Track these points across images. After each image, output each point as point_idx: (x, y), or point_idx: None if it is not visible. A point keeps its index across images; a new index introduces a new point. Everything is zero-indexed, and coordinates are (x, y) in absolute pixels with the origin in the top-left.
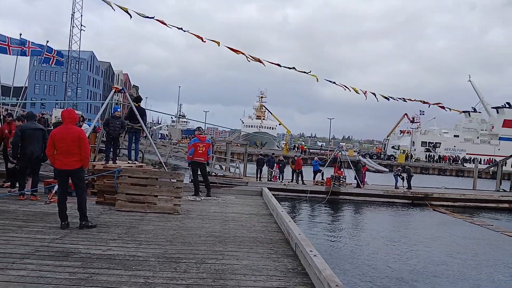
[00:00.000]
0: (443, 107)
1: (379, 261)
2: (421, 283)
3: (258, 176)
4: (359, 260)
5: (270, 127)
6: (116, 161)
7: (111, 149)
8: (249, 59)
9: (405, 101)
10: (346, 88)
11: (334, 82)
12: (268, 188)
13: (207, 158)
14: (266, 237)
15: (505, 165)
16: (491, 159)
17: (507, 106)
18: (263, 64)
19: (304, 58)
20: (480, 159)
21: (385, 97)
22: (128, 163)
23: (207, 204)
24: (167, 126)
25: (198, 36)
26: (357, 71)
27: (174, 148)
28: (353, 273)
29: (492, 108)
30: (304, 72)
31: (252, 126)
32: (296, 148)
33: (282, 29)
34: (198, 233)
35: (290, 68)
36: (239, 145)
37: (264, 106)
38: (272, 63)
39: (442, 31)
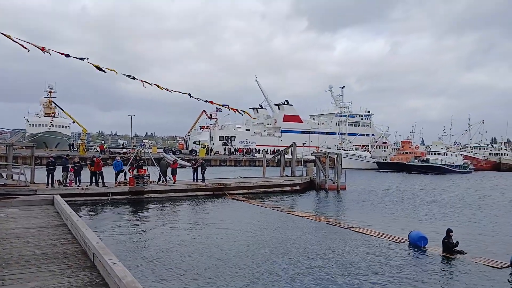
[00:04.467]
0: (233, 109)
1: (184, 256)
2: (225, 271)
3: (50, 181)
4: (164, 259)
5: (62, 126)
6: None
7: None
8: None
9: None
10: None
11: (134, 78)
12: (62, 194)
13: None
14: (59, 251)
15: (287, 154)
16: (276, 149)
17: (286, 103)
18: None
19: (104, 52)
20: (267, 149)
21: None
22: None
23: None
24: None
25: None
26: (161, 68)
27: None
28: (157, 274)
29: (274, 105)
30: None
31: (40, 125)
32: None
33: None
34: None
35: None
36: (24, 147)
37: (53, 102)
38: (59, 52)
39: (237, 36)
